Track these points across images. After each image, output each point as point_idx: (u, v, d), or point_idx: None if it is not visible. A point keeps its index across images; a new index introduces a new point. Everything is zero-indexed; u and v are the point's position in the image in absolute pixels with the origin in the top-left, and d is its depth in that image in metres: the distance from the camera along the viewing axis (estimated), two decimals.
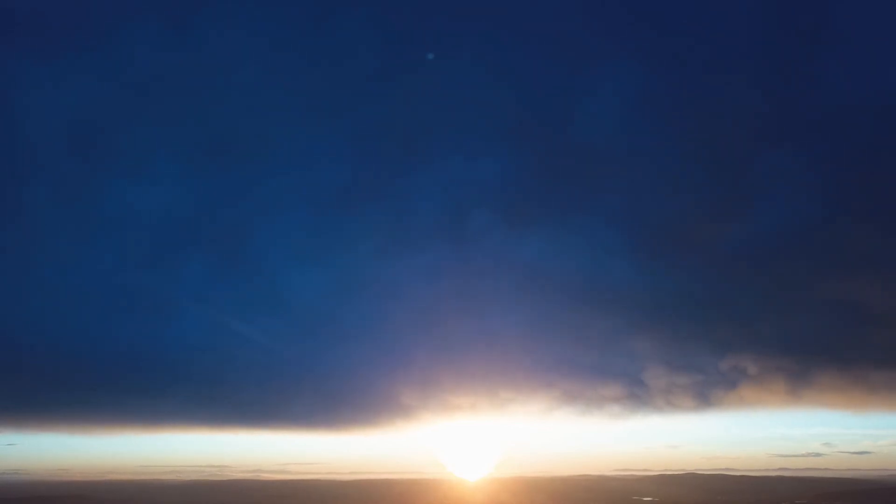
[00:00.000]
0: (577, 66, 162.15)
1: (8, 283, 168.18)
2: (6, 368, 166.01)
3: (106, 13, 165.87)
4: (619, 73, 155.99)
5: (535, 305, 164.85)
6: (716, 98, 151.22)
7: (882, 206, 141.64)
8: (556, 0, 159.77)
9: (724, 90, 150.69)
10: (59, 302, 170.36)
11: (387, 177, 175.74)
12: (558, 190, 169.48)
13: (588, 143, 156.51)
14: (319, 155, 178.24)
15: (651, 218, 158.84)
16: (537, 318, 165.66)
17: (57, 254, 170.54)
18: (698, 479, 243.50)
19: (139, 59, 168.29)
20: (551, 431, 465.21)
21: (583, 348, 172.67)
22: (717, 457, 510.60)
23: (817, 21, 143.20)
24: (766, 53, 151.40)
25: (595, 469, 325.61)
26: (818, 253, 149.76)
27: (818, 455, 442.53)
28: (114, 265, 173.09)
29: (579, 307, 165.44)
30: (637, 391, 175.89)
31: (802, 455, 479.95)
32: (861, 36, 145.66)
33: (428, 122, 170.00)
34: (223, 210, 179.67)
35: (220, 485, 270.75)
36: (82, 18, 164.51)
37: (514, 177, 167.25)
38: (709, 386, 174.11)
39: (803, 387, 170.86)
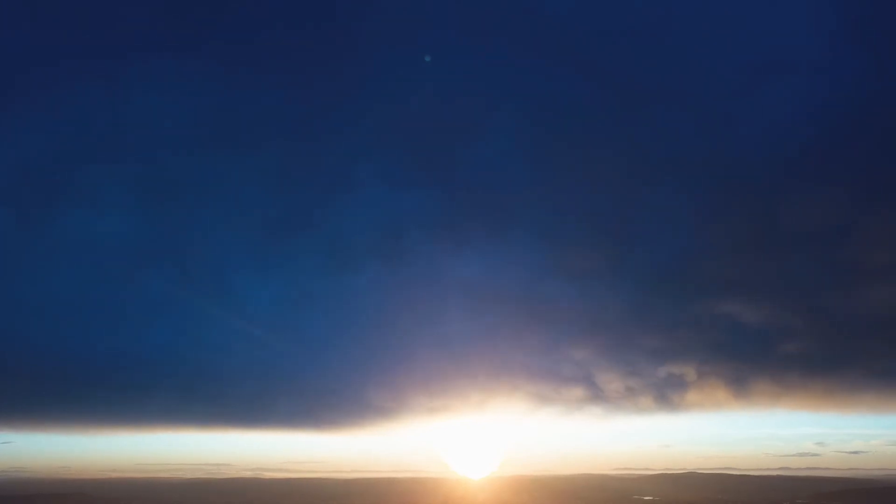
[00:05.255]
0: (489, 105, 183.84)
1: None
2: (5, 370, 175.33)
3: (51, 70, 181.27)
4: (523, 114, 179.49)
5: (485, 317, 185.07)
6: (608, 139, 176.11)
7: (749, 241, 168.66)
8: (473, 52, 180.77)
9: (613, 134, 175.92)
10: (48, 311, 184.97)
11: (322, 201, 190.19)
12: (481, 217, 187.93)
13: (498, 176, 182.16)
14: (259, 184, 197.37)
15: (569, 242, 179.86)
16: (504, 326, 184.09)
17: (36, 271, 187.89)
18: (699, 479, 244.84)
19: (89, 110, 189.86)
20: (551, 431, 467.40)
21: (541, 355, 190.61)
22: (718, 456, 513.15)
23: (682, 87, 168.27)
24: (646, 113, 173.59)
25: (597, 468, 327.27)
26: (698, 278, 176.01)
27: (815, 455, 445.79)
28: (87, 281, 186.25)
29: (523, 319, 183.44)
30: (598, 393, 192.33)
31: (799, 455, 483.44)
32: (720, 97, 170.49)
33: (358, 154, 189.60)
34: (179, 234, 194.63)
35: (221, 483, 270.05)
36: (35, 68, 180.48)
37: (439, 205, 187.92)
38: (661, 388, 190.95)
39: (743, 391, 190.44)
